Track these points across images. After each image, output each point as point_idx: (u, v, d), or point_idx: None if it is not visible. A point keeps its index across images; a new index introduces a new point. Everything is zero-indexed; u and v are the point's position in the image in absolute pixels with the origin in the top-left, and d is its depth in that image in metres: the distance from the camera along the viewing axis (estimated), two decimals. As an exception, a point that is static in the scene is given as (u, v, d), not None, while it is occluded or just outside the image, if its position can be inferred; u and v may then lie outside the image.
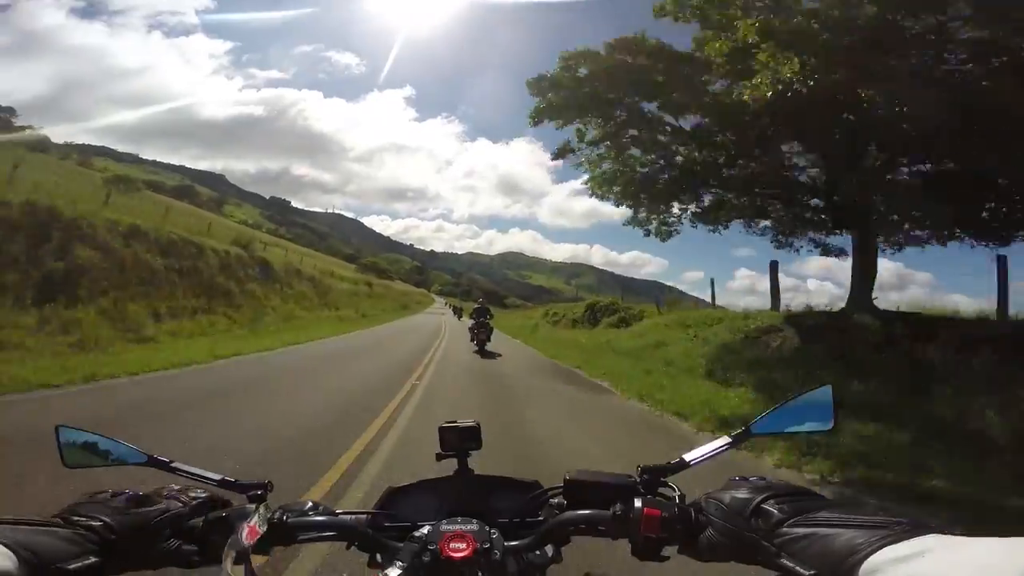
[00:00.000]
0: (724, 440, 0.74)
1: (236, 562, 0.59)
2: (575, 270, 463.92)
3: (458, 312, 36.73)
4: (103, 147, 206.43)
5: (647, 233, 11.62)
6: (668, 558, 0.64)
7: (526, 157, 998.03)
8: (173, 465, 0.73)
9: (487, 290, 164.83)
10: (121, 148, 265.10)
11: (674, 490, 0.69)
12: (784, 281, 12.70)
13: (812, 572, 0.48)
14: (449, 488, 0.83)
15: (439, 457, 0.86)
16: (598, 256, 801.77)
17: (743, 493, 0.60)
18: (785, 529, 0.54)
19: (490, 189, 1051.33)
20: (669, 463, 0.72)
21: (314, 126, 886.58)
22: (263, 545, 0.66)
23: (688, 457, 0.73)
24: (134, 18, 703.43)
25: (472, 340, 14.07)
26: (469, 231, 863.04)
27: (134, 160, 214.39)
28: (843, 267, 10.57)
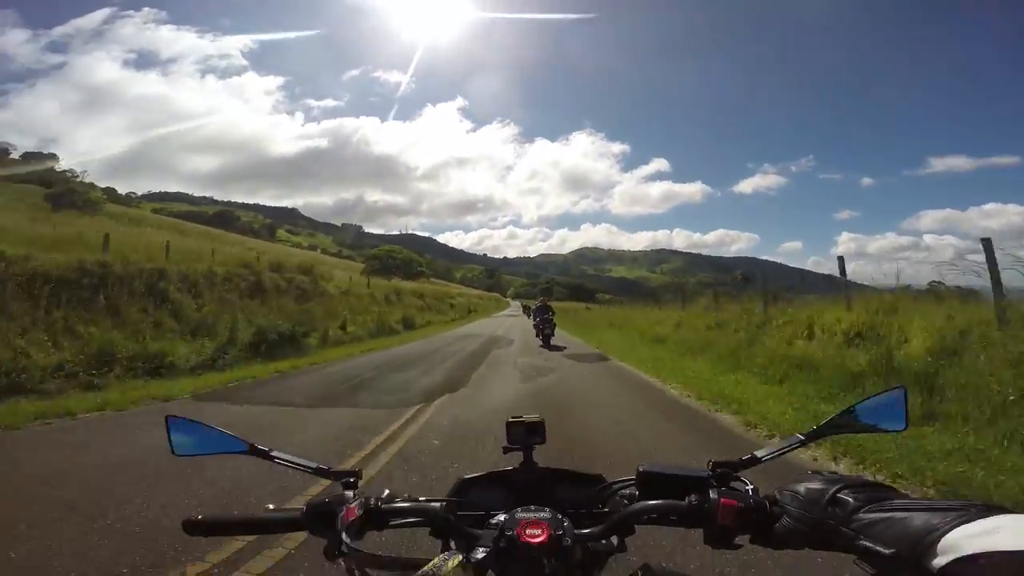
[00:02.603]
0: (795, 438, 0.74)
1: (340, 546, 0.65)
2: (658, 257, 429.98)
3: (528, 312, 32.76)
4: (179, 193, 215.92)
5: None
6: (741, 546, 0.65)
7: (588, 149, 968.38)
8: (272, 454, 0.77)
9: (570, 286, 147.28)
10: (196, 193, 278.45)
11: (746, 484, 0.69)
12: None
13: (891, 550, 0.49)
14: (517, 479, 0.84)
15: (506, 450, 0.87)
16: (680, 240, 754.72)
17: (818, 484, 0.61)
18: (862, 515, 0.55)
19: (556, 188, 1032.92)
20: (741, 459, 0.72)
21: (377, 151, 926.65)
22: (359, 531, 0.69)
23: (759, 454, 0.73)
24: (186, 65, 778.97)
25: (538, 335, 15.28)
26: (540, 234, 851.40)
27: (210, 203, 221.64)
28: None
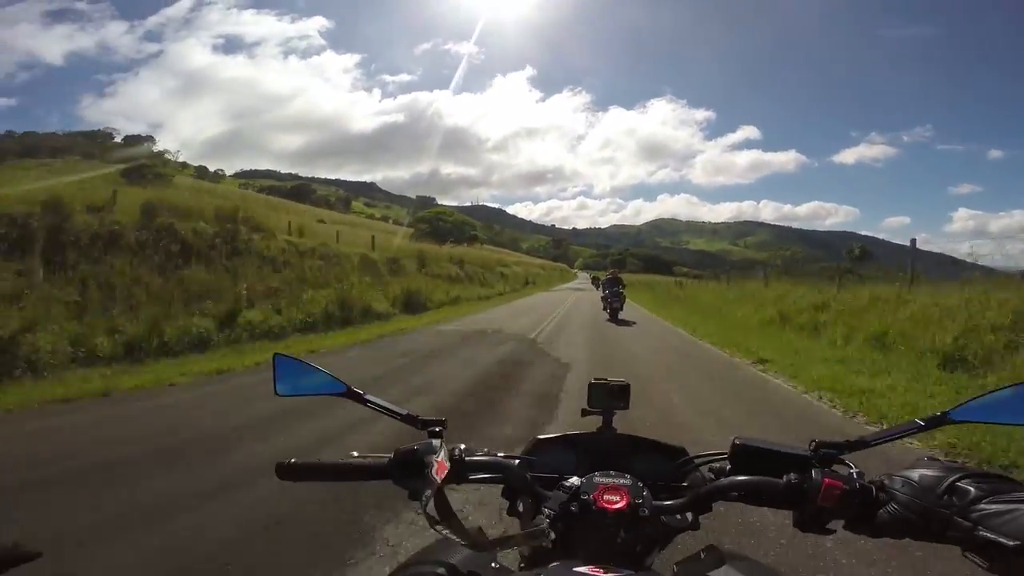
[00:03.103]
0: (914, 423, 0.68)
1: (430, 494, 0.63)
2: (742, 229, 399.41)
3: (597, 283, 28.31)
4: (267, 170, 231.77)
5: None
6: (834, 531, 0.62)
7: (668, 117, 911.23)
8: (366, 397, 0.77)
9: (644, 258, 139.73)
10: (283, 170, 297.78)
11: (850, 467, 0.64)
12: None
13: (1016, 542, 0.47)
14: (593, 444, 0.80)
15: (584, 413, 0.84)
16: (768, 212, 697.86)
17: (935, 471, 0.57)
18: (983, 506, 0.51)
19: (630, 158, 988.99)
20: (847, 440, 0.68)
21: (450, 123, 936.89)
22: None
23: (869, 437, 0.68)
24: (269, 47, 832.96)
25: (605, 309, 14.09)
26: (613, 204, 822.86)
27: (294, 179, 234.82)
28: None
